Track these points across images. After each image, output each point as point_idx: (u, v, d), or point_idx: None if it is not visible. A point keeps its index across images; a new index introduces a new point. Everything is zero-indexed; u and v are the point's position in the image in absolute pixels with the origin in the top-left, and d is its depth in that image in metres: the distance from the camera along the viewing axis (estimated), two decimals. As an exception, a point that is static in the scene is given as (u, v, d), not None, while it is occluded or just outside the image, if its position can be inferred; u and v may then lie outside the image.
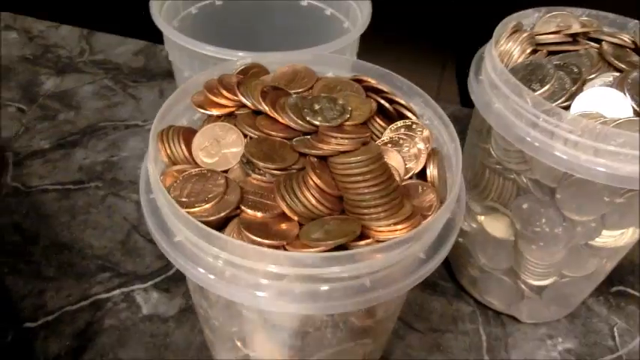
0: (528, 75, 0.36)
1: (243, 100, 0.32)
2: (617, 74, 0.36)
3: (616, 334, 0.46)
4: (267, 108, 0.31)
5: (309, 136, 0.30)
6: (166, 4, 0.47)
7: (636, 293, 0.49)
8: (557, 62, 0.36)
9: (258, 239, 0.25)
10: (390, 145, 0.30)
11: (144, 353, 0.43)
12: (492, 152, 0.38)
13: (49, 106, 0.63)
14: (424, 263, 0.27)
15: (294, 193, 0.27)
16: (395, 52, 0.68)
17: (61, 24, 0.75)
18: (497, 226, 0.41)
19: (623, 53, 0.37)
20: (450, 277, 0.49)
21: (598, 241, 0.38)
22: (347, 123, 0.31)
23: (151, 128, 0.30)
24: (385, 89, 0.33)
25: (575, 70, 0.35)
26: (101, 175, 0.56)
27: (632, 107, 0.34)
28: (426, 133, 0.30)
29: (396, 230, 0.26)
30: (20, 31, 0.74)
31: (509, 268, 0.42)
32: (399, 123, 0.31)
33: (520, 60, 0.38)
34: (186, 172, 0.28)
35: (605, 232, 0.37)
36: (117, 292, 0.46)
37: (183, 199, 0.27)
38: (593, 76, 0.36)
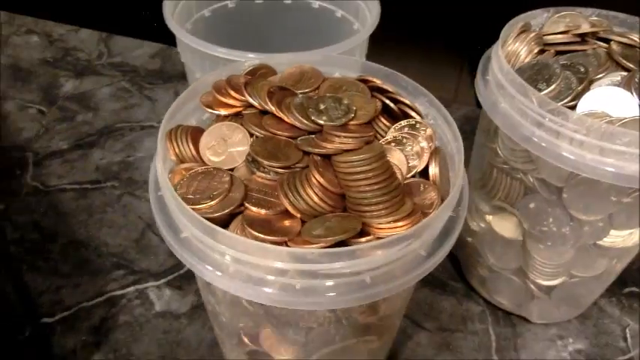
0: (535, 75, 0.36)
1: (250, 100, 0.32)
2: (626, 74, 0.36)
3: (628, 335, 0.46)
4: (273, 108, 0.32)
5: (313, 135, 0.31)
6: (179, 7, 0.48)
7: (649, 295, 0.49)
8: (564, 62, 0.36)
9: (261, 235, 0.26)
10: (393, 144, 0.31)
11: (156, 349, 0.43)
12: (499, 152, 0.38)
13: (68, 108, 0.65)
14: (425, 260, 0.27)
15: (296, 190, 0.27)
16: (414, 54, 0.69)
17: (81, 27, 0.77)
18: (505, 226, 0.41)
19: (632, 53, 0.37)
20: (460, 277, 0.49)
21: (606, 241, 0.38)
22: (351, 122, 0.31)
23: (160, 127, 0.31)
24: (390, 89, 0.33)
25: (582, 69, 0.35)
26: (117, 174, 0.57)
27: (640, 106, 0.33)
28: (429, 131, 0.31)
29: (397, 227, 0.26)
30: (41, 34, 0.76)
31: (518, 267, 0.42)
32: (403, 122, 0.32)
33: (527, 60, 0.38)
34: (193, 170, 0.29)
35: (613, 232, 0.37)
36: (131, 289, 0.47)
37: (190, 196, 0.28)
38: (600, 75, 0.36)
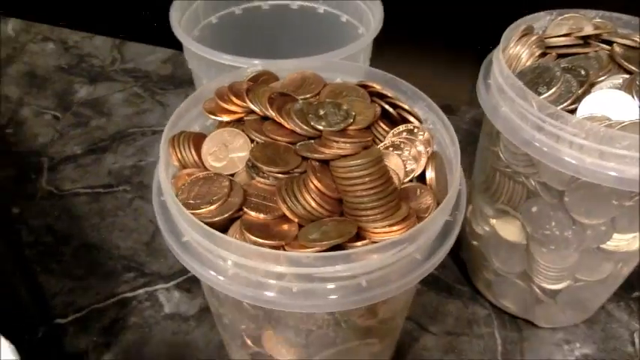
0: (535, 78, 0.36)
1: (252, 106, 0.33)
2: (628, 76, 0.36)
3: (636, 340, 0.45)
4: (273, 113, 0.32)
5: (312, 141, 0.31)
6: (187, 14, 0.48)
7: (659, 299, 0.48)
8: (565, 65, 0.36)
9: (259, 240, 0.27)
10: (391, 149, 0.31)
11: (165, 350, 0.44)
12: (501, 155, 0.38)
13: (82, 114, 0.66)
14: (421, 264, 0.28)
15: (294, 195, 0.28)
16: (427, 57, 0.69)
17: (95, 34, 0.79)
18: (509, 230, 0.41)
19: (634, 55, 0.37)
20: (466, 281, 0.49)
21: (610, 245, 0.37)
22: (350, 127, 0.31)
23: (163, 134, 0.32)
24: (390, 94, 0.34)
25: (583, 72, 0.35)
26: (129, 179, 0.58)
27: (641, 109, 0.33)
28: (426, 136, 0.31)
29: (391, 232, 0.27)
30: (57, 41, 0.78)
31: (522, 271, 0.42)
32: (401, 127, 0.32)
33: (528, 63, 0.38)
34: (194, 176, 0.30)
35: (616, 236, 0.37)
36: (141, 291, 0.48)
37: (190, 201, 0.28)
38: (602, 78, 0.36)
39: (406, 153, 0.31)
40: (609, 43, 0.39)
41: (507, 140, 0.36)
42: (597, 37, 0.39)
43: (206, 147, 0.32)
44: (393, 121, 0.33)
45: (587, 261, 0.39)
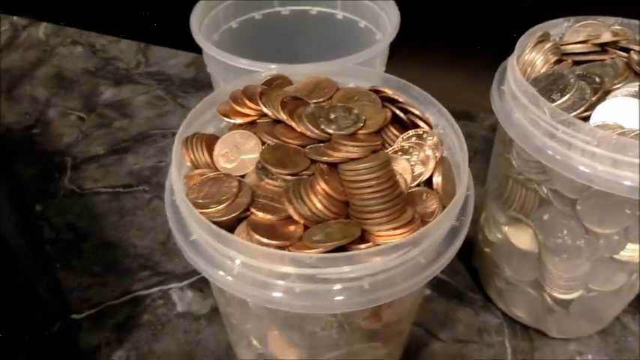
0: (549, 85, 0.36)
1: (264, 109, 0.33)
2: (644, 84, 0.35)
3: (652, 353, 0.44)
4: (285, 117, 0.33)
5: (322, 144, 0.32)
6: (207, 19, 0.49)
7: (678, 313, 0.47)
8: (580, 72, 0.36)
9: (264, 240, 0.27)
10: (400, 153, 0.31)
11: (176, 348, 0.45)
12: (513, 162, 0.38)
13: (106, 115, 0.68)
14: (425, 268, 0.28)
15: (301, 197, 0.28)
16: (454, 65, 0.69)
17: (122, 38, 0.81)
18: (521, 237, 0.41)
19: (652, 63, 0.36)
20: (479, 288, 0.49)
21: (623, 255, 0.37)
22: (360, 132, 0.32)
23: (177, 135, 0.32)
24: (401, 99, 0.34)
25: (597, 79, 0.35)
26: (149, 179, 0.60)
27: (656, 118, 0.33)
28: (435, 140, 0.31)
29: (395, 235, 0.27)
30: (85, 45, 0.80)
31: (534, 280, 0.42)
32: (411, 132, 0.32)
33: (543, 70, 0.38)
34: (205, 176, 0.30)
35: (630, 246, 0.36)
36: (155, 289, 0.49)
37: (199, 201, 0.29)
38: (618, 85, 0.36)
39: (415, 157, 0.31)
40: (627, 50, 0.38)
41: (520, 147, 0.36)
42: (615, 45, 0.39)
43: (218, 148, 0.32)
44: (404, 125, 0.34)
45: (600, 271, 0.38)
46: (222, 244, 0.27)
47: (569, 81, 0.35)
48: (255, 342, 0.34)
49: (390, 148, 0.32)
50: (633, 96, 0.34)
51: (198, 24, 0.48)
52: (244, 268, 0.27)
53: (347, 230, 0.27)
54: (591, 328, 0.45)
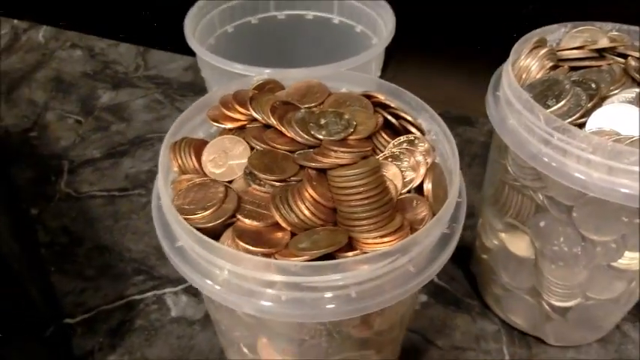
0: (545, 91, 0.35)
1: (254, 114, 0.33)
2: (641, 90, 0.35)
3: (652, 363, 0.44)
4: (274, 122, 0.32)
5: (311, 150, 0.31)
6: (202, 23, 0.49)
7: (678, 321, 0.46)
8: (576, 78, 0.35)
9: (249, 247, 0.27)
10: (390, 159, 0.31)
11: (169, 353, 0.45)
12: (509, 168, 0.37)
13: (104, 118, 0.68)
14: (414, 277, 0.27)
15: (288, 204, 0.28)
16: (454, 70, 0.68)
17: (121, 42, 0.81)
18: (518, 244, 0.40)
19: (649, 68, 0.36)
20: (476, 295, 0.48)
21: (622, 263, 0.36)
22: (351, 137, 0.31)
23: (164, 140, 0.32)
24: (393, 105, 0.34)
25: (593, 86, 0.34)
26: (145, 183, 0.59)
27: (653, 124, 0.32)
28: (426, 146, 0.31)
29: (383, 243, 0.26)
30: (84, 48, 0.80)
31: (531, 287, 0.41)
32: (402, 138, 0.32)
33: (539, 76, 0.37)
34: (191, 182, 0.30)
35: (627, 254, 0.36)
36: (149, 294, 0.49)
37: (185, 207, 0.29)
38: (615, 92, 0.35)
39: (405, 163, 0.30)
40: (624, 56, 0.38)
41: (515, 153, 0.36)
42: (612, 50, 0.38)
43: (206, 153, 0.32)
44: (395, 131, 0.33)
45: (598, 279, 0.38)
46: (207, 251, 0.26)
47: (565, 87, 0.34)
48: (244, 349, 0.34)
49: (381, 154, 0.31)
50: (630, 102, 0.34)
51: (193, 28, 0.47)
52: (230, 276, 0.27)
53: (334, 237, 0.26)
54: (590, 336, 0.44)
